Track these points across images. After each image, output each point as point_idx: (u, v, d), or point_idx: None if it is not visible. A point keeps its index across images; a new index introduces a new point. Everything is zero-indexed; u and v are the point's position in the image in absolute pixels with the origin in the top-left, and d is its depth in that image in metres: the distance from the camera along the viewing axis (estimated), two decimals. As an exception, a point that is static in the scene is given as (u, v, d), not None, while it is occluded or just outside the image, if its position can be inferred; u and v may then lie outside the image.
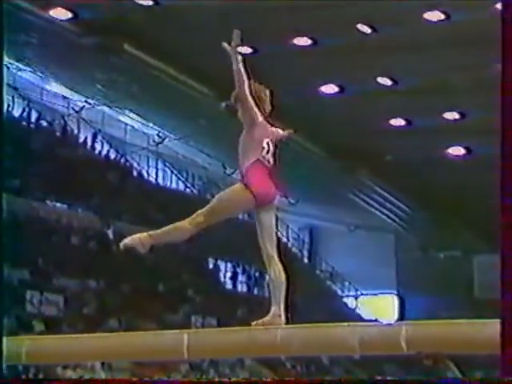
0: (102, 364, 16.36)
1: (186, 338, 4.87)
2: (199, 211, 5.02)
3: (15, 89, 25.41)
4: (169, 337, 5.13)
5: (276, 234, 5.11)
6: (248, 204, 5.00)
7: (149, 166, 30.41)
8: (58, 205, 23.34)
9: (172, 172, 31.65)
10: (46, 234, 21.25)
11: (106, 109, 27.98)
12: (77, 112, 27.11)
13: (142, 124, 29.26)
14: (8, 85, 25.27)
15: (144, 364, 16.79)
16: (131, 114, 28.67)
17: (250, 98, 4.93)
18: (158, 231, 5.08)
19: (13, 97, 25.70)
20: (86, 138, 27.77)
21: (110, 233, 23.64)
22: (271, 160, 5.10)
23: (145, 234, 5.06)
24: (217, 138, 27.75)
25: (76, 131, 27.37)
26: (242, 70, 4.87)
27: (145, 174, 29.93)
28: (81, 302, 19.82)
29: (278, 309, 4.93)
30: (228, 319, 20.01)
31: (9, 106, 25.69)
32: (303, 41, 21.45)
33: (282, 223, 33.69)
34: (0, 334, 5.07)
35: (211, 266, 27.12)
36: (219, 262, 27.34)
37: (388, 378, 16.95)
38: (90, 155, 26.97)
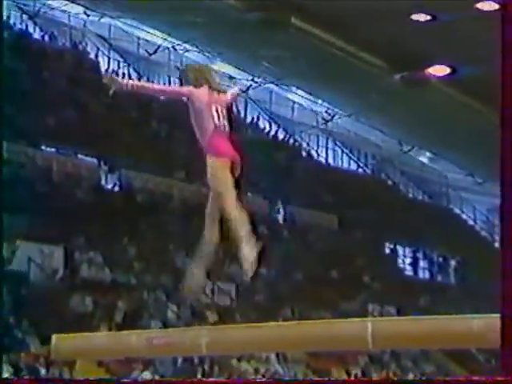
0: (277, 355, 16.66)
1: (370, 326, 4.85)
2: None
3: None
4: (351, 326, 5.15)
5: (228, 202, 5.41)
6: (227, 169, 5.44)
7: (318, 146, 30.56)
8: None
9: (343, 151, 31.61)
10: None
11: (273, 87, 28.36)
12: (243, 92, 27.65)
13: (311, 101, 29.40)
14: (176, 67, 26.19)
15: (320, 356, 16.93)
16: (299, 91, 28.89)
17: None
18: None
19: (181, 79, 26.52)
20: (253, 118, 28.31)
21: (279, 217, 23.98)
22: (227, 125, 5.49)
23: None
24: (390, 112, 27.36)
25: (243, 112, 27.94)
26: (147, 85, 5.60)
27: (314, 154, 30.10)
28: (252, 290, 20.24)
29: (200, 273, 5.28)
30: (409, 308, 19.74)
31: (177, 88, 26.61)
32: (487, 6, 20.57)
33: (467, 204, 32.74)
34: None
35: (388, 250, 26.86)
36: (397, 246, 27.03)
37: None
38: (257, 136, 27.46)
